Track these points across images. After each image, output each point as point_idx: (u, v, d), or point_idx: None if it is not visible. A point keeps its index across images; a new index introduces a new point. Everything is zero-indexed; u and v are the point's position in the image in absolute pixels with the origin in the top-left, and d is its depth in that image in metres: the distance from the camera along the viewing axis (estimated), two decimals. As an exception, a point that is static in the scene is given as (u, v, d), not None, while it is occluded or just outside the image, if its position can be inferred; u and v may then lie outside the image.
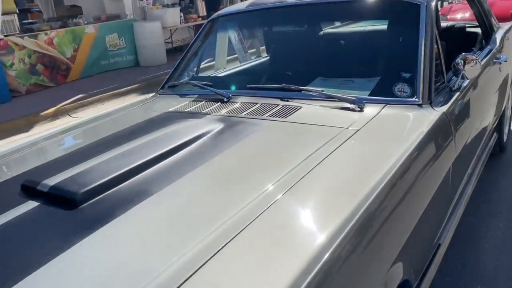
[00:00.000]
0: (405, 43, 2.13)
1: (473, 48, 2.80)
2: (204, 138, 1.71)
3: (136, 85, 8.55)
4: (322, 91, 1.99)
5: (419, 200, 1.58)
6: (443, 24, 3.46)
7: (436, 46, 2.11)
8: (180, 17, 10.95)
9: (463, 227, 2.49)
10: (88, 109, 7.34)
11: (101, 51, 9.24)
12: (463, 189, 2.11)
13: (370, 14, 2.27)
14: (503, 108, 3.23)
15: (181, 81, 2.53)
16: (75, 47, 8.73)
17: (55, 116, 6.94)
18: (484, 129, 2.70)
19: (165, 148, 1.59)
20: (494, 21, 3.28)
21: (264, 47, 2.82)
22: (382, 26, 2.28)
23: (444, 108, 1.86)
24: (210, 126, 1.83)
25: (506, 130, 3.71)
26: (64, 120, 6.77)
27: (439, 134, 1.75)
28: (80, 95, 7.69)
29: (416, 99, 1.86)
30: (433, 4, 2.15)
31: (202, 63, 2.67)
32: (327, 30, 2.47)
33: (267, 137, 1.70)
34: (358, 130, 1.66)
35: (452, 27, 3.39)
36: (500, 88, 3.02)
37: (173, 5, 13.43)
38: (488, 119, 2.76)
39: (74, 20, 9.37)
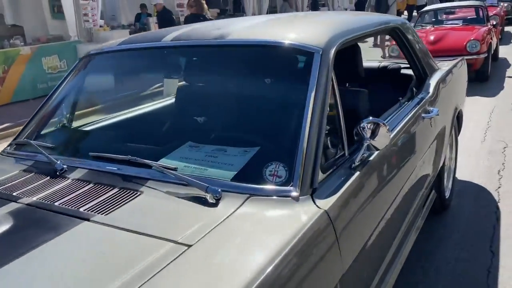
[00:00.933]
0: (287, 105, 1.62)
1: (400, 98, 2.33)
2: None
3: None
4: (174, 169, 1.45)
5: None
6: (374, 64, 3.02)
7: (335, 106, 1.62)
8: (131, 39, 10.38)
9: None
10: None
11: (37, 74, 8.53)
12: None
13: (252, 64, 1.76)
14: (441, 164, 2.77)
15: (22, 139, 1.96)
16: (5, 68, 8.02)
17: (-31, 149, 6.20)
18: (412, 198, 2.22)
19: None
20: (430, 62, 2.84)
21: (136, 97, 2.28)
22: (266, 80, 1.77)
23: (331, 201, 1.34)
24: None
25: (449, 185, 3.26)
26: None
27: (317, 247, 1.22)
28: (6, 124, 6.97)
29: (292, 189, 1.34)
30: (333, 51, 1.66)
31: (59, 114, 2.11)
32: (203, 81, 1.95)
33: (50, 261, 1.14)
34: (190, 246, 1.12)
35: (384, 68, 2.94)
36: (436, 143, 2.56)
37: (129, 26, 12.94)
38: (417, 185, 2.28)
39: (11, 41, 8.71)
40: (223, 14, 16.60)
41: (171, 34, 1.94)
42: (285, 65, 1.69)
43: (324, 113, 1.51)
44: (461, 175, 3.74)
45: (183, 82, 1.99)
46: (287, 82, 1.68)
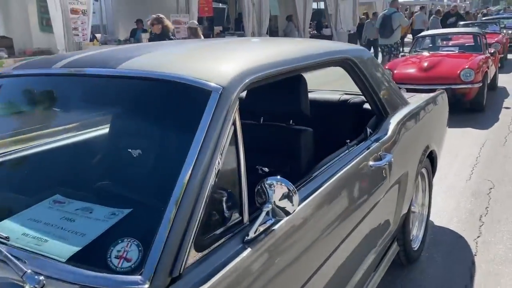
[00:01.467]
0: (165, 157, 1.29)
1: (348, 141, 1.99)
2: None
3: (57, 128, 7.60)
4: (5, 238, 1.12)
5: None
6: (334, 97, 2.70)
7: (236, 158, 1.29)
8: (121, 54, 10.16)
9: None
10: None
11: (18, 88, 8.30)
12: None
13: (138, 102, 1.44)
14: (403, 213, 2.41)
15: None
16: (-16, 82, 7.79)
17: None
18: (356, 262, 1.87)
19: None
20: (395, 98, 2.50)
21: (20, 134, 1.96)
22: (152, 123, 1.44)
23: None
24: None
25: (420, 234, 2.89)
26: None
27: None
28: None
29: (139, 279, 1.00)
30: (238, 90, 1.33)
31: None
32: (85, 119, 1.64)
33: None
34: None
35: (344, 102, 2.61)
36: (393, 192, 2.21)
37: (125, 41, 12.77)
38: (365, 245, 1.93)
39: (-4, 53, 8.52)
40: (225, 32, 16.55)
41: (64, 60, 1.63)
42: (176, 105, 1.37)
43: (212, 168, 1.17)
44: (438, 219, 3.37)
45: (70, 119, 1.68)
46: (174, 127, 1.36)
